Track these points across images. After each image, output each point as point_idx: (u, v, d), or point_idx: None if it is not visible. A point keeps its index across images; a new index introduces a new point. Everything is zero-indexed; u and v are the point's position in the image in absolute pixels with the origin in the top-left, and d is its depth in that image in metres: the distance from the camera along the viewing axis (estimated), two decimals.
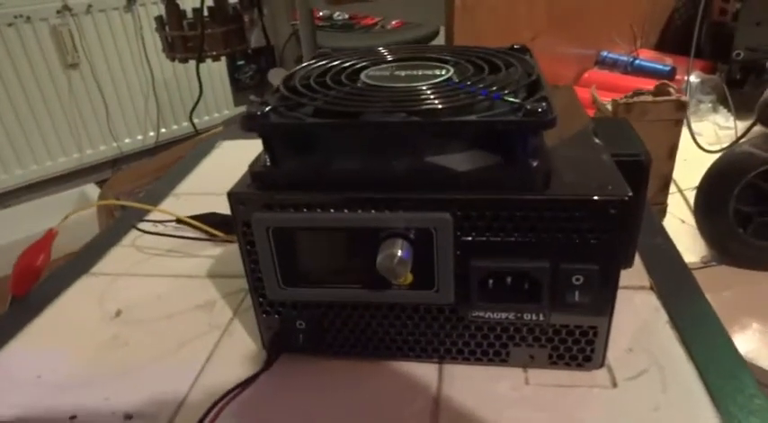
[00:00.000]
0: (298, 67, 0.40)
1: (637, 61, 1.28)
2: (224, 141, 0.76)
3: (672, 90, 0.85)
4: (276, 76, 1.55)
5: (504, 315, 0.34)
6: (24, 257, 0.46)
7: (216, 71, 2.34)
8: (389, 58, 0.41)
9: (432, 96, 0.32)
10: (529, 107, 0.30)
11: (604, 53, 1.32)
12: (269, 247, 0.33)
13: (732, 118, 1.23)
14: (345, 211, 0.32)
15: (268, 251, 0.33)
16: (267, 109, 0.32)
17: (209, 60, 1.62)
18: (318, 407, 0.34)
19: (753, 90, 1.28)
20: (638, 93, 0.83)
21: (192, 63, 1.92)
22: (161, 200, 0.62)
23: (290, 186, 0.32)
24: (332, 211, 0.32)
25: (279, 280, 0.34)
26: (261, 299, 0.36)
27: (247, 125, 0.32)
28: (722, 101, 1.26)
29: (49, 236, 0.47)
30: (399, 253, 0.30)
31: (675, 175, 0.91)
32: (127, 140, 2.27)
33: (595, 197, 0.29)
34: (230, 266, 0.49)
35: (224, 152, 0.74)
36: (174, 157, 2.01)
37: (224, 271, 0.49)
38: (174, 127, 2.36)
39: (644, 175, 0.35)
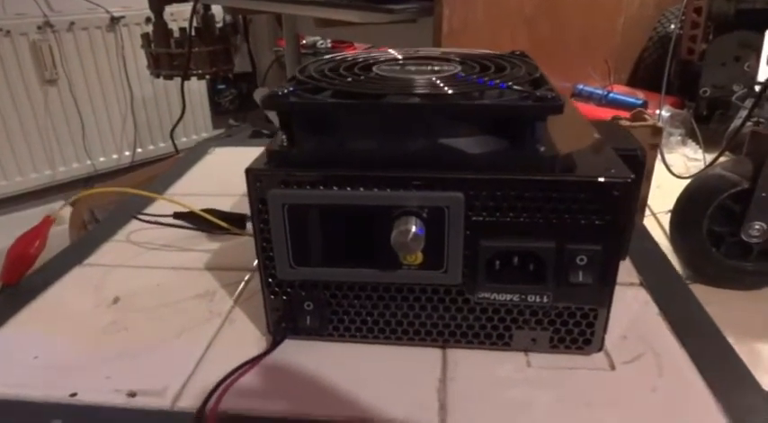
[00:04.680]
0: (309, 62, 0.42)
1: (611, 94, 1.34)
2: (216, 148, 0.77)
3: (647, 117, 0.89)
4: (261, 96, 1.57)
5: (508, 297, 0.35)
6: (19, 244, 0.46)
7: (196, 94, 2.35)
8: (399, 56, 0.43)
9: (444, 85, 0.34)
10: (538, 94, 0.32)
11: (580, 86, 1.39)
12: (283, 225, 0.34)
13: (701, 151, 1.29)
14: (361, 188, 0.33)
15: (282, 229, 0.34)
16: (288, 90, 0.33)
17: (189, 82, 1.63)
18: (324, 387, 0.35)
19: (718, 126, 1.36)
20: (617, 119, 0.87)
21: (173, 84, 1.92)
22: (153, 201, 0.62)
23: (307, 165, 0.33)
24: (348, 188, 0.33)
25: (290, 259, 0.35)
26: (270, 279, 0.36)
27: (269, 104, 0.33)
28: (691, 134, 1.33)
29: (46, 222, 0.47)
30: (414, 229, 0.32)
31: (649, 200, 0.95)
32: (102, 159, 2.23)
33: (600, 179, 0.31)
34: (228, 259, 0.49)
35: (217, 158, 0.74)
36: (149, 174, 2.00)
37: (222, 263, 0.49)
38: (151, 147, 2.34)
39: (640, 168, 0.38)
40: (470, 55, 0.42)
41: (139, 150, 2.31)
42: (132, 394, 0.34)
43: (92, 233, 0.55)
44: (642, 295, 0.43)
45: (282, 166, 0.34)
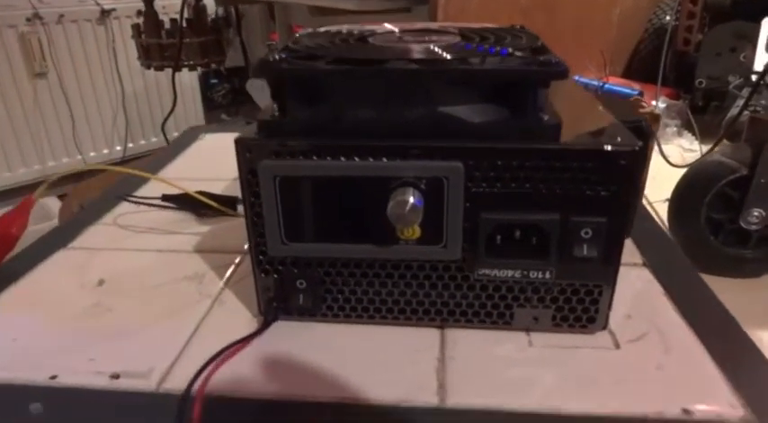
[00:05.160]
0: (301, 33, 0.40)
1: (607, 86, 1.33)
2: (207, 134, 0.75)
3: (644, 104, 0.88)
4: (254, 87, 1.55)
5: (510, 273, 0.33)
6: None
7: (188, 88, 2.32)
8: (395, 29, 0.41)
9: (444, 52, 0.32)
10: (542, 59, 0.30)
11: (576, 78, 1.37)
12: (274, 198, 0.32)
13: (696, 141, 1.29)
14: (356, 158, 0.31)
15: (273, 202, 0.33)
16: (281, 56, 0.32)
17: (180, 76, 1.61)
18: (318, 369, 0.33)
19: (713, 117, 1.35)
20: None
21: (164, 78, 1.90)
22: (143, 183, 0.60)
23: (300, 135, 0.32)
24: (342, 158, 0.31)
25: (282, 234, 0.33)
26: (261, 256, 0.35)
27: (261, 70, 0.31)
28: (686, 126, 1.32)
29: (27, 203, 0.45)
30: (411, 200, 0.30)
31: (645, 189, 0.94)
32: (92, 153, 2.20)
33: (607, 147, 0.30)
34: (219, 241, 0.48)
35: (207, 143, 0.72)
36: (141, 167, 1.96)
37: (212, 246, 0.47)
38: (143, 142, 2.31)
39: (645, 139, 0.36)
40: (469, 28, 0.41)
41: (131, 145, 2.28)
42: (116, 376, 0.32)
43: (78, 217, 0.53)
44: (646, 275, 0.42)
45: (274, 135, 0.32)
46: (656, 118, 0.82)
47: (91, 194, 1.68)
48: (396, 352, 0.34)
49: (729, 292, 0.81)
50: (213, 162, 0.65)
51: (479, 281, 0.34)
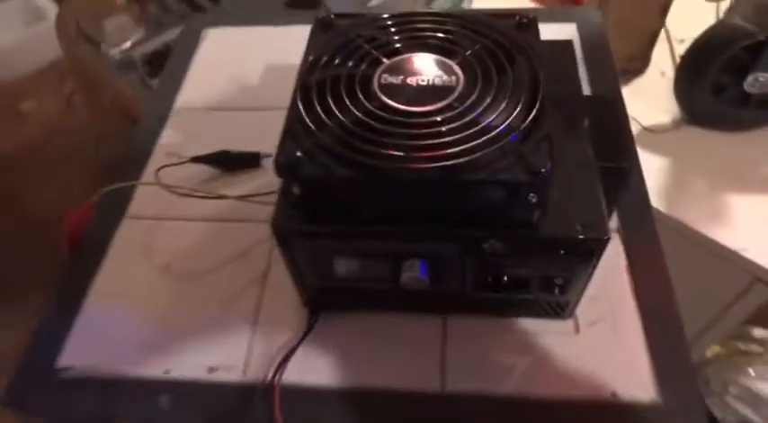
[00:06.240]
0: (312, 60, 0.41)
1: None
2: (209, 30, 0.73)
3: None
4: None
5: (497, 296, 0.43)
6: (72, 221, 0.52)
7: None
8: (397, 44, 0.41)
9: (449, 138, 0.35)
10: (531, 161, 0.34)
11: None
12: (307, 261, 0.40)
13: None
14: (373, 240, 0.38)
15: (307, 263, 0.41)
16: (299, 155, 0.35)
17: None
18: (360, 359, 0.45)
19: None
20: None
21: None
22: (165, 120, 0.64)
23: (324, 216, 0.38)
24: (362, 240, 0.38)
25: (316, 278, 0.42)
26: (300, 282, 0.44)
27: (281, 173, 0.36)
28: None
29: (90, 205, 0.52)
30: (419, 275, 0.38)
31: (669, 24, 0.90)
32: None
33: (580, 237, 0.36)
34: (251, 207, 0.54)
35: (213, 46, 0.71)
36: None
37: (247, 213, 0.53)
38: None
39: (625, 180, 0.41)
40: (471, 30, 0.41)
41: None
42: (213, 369, 0.45)
43: (122, 168, 0.59)
44: (617, 247, 0.49)
45: (301, 218, 0.38)
46: None
47: (85, 9, 1.59)
48: (404, 339, 0.46)
49: (723, 150, 0.86)
50: (226, 77, 0.66)
51: (473, 298, 0.43)
